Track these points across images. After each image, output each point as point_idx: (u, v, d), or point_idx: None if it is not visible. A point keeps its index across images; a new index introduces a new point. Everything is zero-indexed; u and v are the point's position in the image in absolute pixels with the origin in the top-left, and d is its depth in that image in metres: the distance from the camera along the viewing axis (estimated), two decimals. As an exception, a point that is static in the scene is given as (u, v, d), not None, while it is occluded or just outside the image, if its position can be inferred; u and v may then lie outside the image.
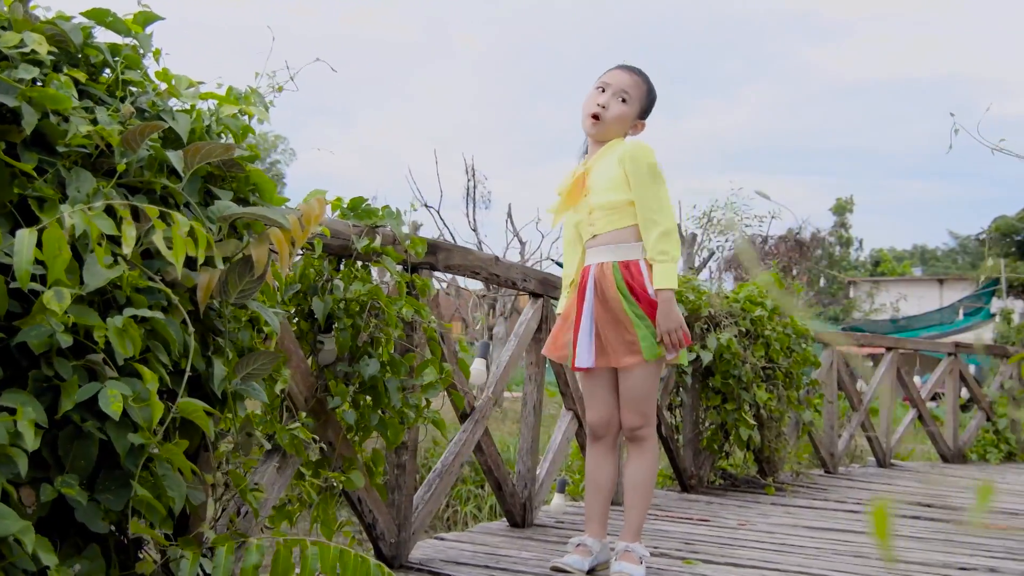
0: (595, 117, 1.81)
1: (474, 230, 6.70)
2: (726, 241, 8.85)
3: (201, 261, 1.06)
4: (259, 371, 1.30)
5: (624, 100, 1.82)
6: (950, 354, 5.00)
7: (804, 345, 3.49)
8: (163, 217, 1.05)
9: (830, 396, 3.93)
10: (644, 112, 1.87)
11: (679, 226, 8.18)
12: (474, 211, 6.75)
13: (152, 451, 1.08)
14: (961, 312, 11.15)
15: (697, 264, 7.78)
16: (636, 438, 1.88)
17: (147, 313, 1.07)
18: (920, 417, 4.73)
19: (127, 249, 1.01)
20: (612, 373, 1.86)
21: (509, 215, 6.89)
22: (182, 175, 1.17)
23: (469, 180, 6.76)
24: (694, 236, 7.94)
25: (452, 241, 6.60)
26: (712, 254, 8.51)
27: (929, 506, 3.16)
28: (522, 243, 7.02)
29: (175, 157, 1.16)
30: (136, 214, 1.14)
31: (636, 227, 1.79)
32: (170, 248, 1.03)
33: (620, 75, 1.86)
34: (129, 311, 1.07)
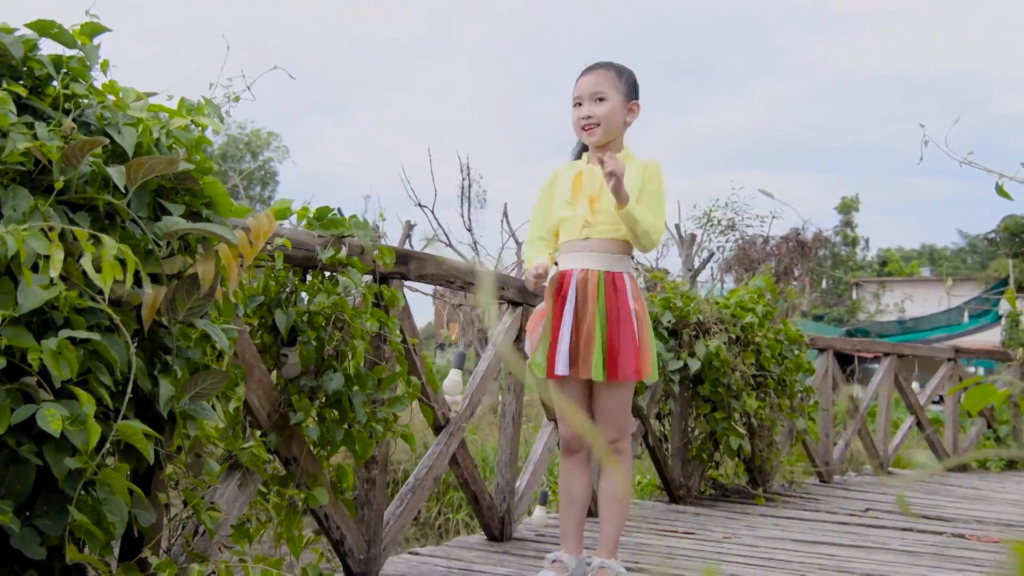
0: (589, 127, 1.81)
1: (469, 230, 6.64)
2: (727, 241, 8.76)
3: (129, 284, 1.04)
4: (209, 390, 1.27)
5: (601, 99, 1.82)
6: (949, 359, 4.92)
7: (797, 351, 3.43)
8: (95, 238, 1.02)
9: (825, 403, 3.87)
10: (629, 94, 1.85)
11: (678, 226, 8.10)
12: (469, 211, 6.70)
13: (92, 475, 1.05)
14: (966, 314, 11.00)
15: (697, 265, 7.70)
16: (612, 451, 1.85)
17: (83, 334, 1.04)
18: (919, 424, 4.65)
19: (54, 272, 0.98)
20: (585, 385, 1.82)
21: (505, 214, 6.83)
22: (124, 191, 1.14)
23: (464, 179, 6.70)
24: (693, 237, 7.85)
25: (447, 240, 6.56)
26: (712, 255, 8.42)
27: (925, 517, 3.10)
28: (518, 243, 6.98)
29: (116, 173, 1.13)
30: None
31: (628, 243, 1.81)
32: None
33: (585, 81, 1.84)
34: (66, 332, 1.04)
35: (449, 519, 4.18)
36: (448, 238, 6.49)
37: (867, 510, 3.19)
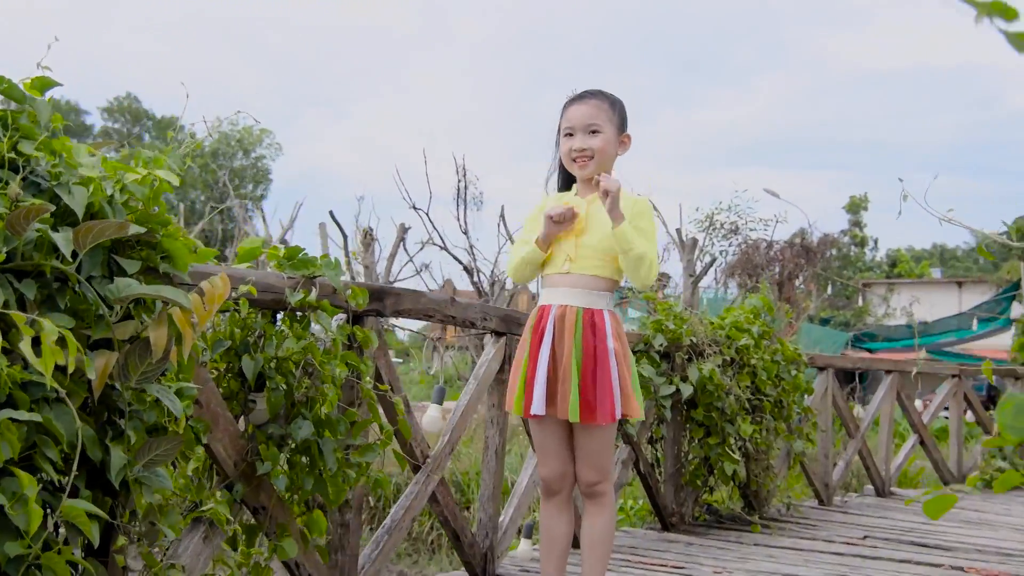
0: (582, 160, 1.78)
1: (465, 233, 6.54)
2: (729, 245, 8.61)
3: (71, 370, 1.00)
4: (164, 456, 1.23)
5: (595, 131, 1.77)
6: (954, 376, 4.82)
7: (794, 372, 3.36)
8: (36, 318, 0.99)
9: (824, 424, 3.80)
10: (621, 126, 1.81)
11: (679, 230, 8.00)
12: (465, 213, 6.58)
13: (34, 559, 1.02)
14: (975, 320, 10.80)
15: (699, 270, 7.61)
16: (593, 494, 1.81)
17: (24, 416, 1.01)
18: (922, 442, 4.56)
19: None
20: (565, 424, 1.78)
21: (502, 216, 6.72)
22: (71, 257, 1.10)
23: (460, 181, 6.59)
24: (695, 241, 7.74)
25: (442, 243, 6.48)
26: (714, 260, 8.29)
27: (924, 546, 3.03)
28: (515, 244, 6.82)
29: (62, 240, 1.09)
30: (22, 302, 1.07)
31: (610, 280, 1.77)
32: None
33: (578, 111, 1.79)
34: (7, 412, 1.01)
35: (442, 534, 4.15)
36: (443, 241, 6.41)
37: (865, 537, 3.13)
